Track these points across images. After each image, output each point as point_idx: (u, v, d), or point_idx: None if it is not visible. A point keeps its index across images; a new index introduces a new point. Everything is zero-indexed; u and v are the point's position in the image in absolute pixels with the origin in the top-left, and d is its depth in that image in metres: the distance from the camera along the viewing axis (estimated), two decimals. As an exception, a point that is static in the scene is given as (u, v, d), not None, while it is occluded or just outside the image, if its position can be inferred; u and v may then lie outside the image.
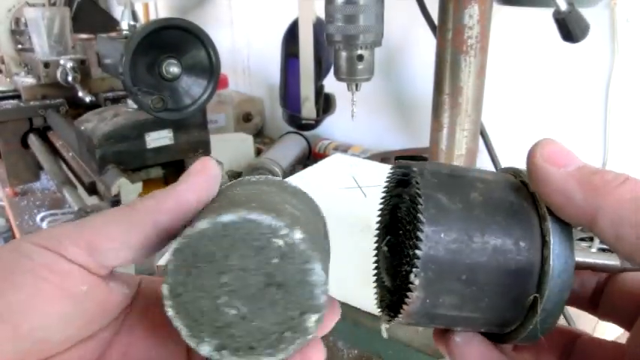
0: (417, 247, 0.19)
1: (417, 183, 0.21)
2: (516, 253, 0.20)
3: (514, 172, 0.23)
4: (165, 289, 0.19)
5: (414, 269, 0.19)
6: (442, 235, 0.19)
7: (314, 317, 0.20)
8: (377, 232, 0.24)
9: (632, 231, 0.17)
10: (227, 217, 0.19)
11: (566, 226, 0.20)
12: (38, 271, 0.20)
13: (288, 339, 0.20)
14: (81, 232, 0.21)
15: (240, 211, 0.19)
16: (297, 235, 0.19)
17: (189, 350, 0.24)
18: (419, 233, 0.19)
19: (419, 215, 0.20)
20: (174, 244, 0.20)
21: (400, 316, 0.21)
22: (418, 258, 0.19)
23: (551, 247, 0.19)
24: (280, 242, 0.19)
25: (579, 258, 0.21)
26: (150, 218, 0.21)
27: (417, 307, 0.20)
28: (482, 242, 0.20)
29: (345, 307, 0.51)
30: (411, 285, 0.20)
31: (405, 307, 0.20)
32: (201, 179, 0.22)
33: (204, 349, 0.20)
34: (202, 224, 0.19)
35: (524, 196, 0.21)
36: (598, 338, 0.23)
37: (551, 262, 0.19)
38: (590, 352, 0.23)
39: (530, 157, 0.20)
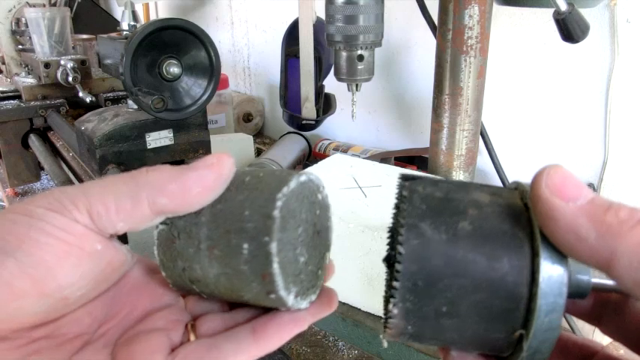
0: (396, 279, 0.19)
1: (403, 210, 0.20)
2: (502, 288, 0.18)
3: (521, 191, 0.21)
4: (273, 248, 0.21)
5: (391, 299, 0.19)
6: (421, 269, 0.19)
7: (328, 254, 0.26)
8: (387, 239, 0.23)
9: None
10: (303, 178, 0.23)
11: (561, 261, 0.18)
12: (57, 233, 0.20)
13: (320, 276, 0.25)
14: (80, 196, 0.21)
15: (301, 175, 0.23)
16: (325, 190, 0.25)
17: (188, 304, 0.26)
18: (396, 265, 0.19)
19: (398, 247, 0.19)
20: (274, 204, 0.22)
21: (386, 336, 0.21)
22: (396, 289, 0.19)
23: (540, 285, 0.18)
24: (320, 197, 0.25)
25: (584, 276, 0.20)
26: (148, 195, 0.22)
27: (398, 332, 0.20)
28: (465, 277, 0.19)
29: (345, 307, 0.51)
30: (390, 312, 0.20)
31: (387, 330, 0.20)
32: (211, 174, 0.22)
33: (290, 299, 0.22)
34: (292, 184, 0.22)
35: (522, 225, 0.19)
36: (615, 355, 0.22)
37: (538, 301, 0.18)
38: None
39: (535, 187, 0.19)
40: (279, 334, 0.23)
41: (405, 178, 0.22)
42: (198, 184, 0.22)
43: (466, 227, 0.19)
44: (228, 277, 0.22)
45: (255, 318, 0.24)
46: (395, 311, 0.19)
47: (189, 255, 0.23)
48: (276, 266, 0.21)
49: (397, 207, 0.21)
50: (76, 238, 0.21)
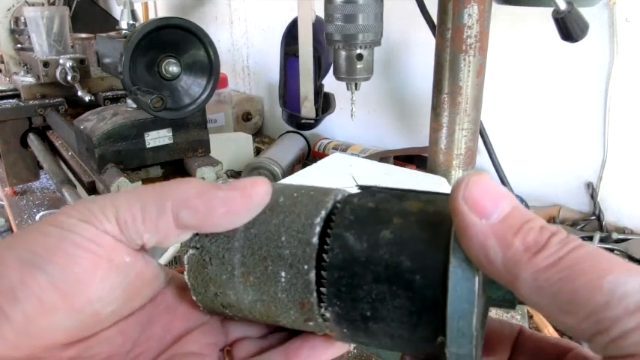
0: (323, 285, 0.20)
1: (332, 221, 0.21)
2: (418, 295, 0.19)
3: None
4: (312, 277, 0.21)
5: (321, 304, 0.21)
6: (343, 276, 0.20)
7: None
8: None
9: (552, 302, 0.16)
10: (339, 197, 0.23)
11: (472, 269, 0.18)
12: (87, 245, 0.20)
13: None
14: (110, 206, 0.21)
15: (337, 194, 0.23)
16: None
17: (223, 323, 0.25)
18: (322, 272, 0.20)
19: (323, 255, 0.20)
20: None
21: (333, 338, 0.23)
22: (324, 294, 0.20)
23: (449, 292, 0.18)
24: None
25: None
26: (173, 206, 0.21)
27: (339, 335, 0.22)
28: (383, 283, 0.19)
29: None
30: (324, 316, 0.21)
31: (329, 333, 0.22)
32: (239, 198, 0.21)
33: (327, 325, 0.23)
34: (329, 205, 0.22)
35: (442, 234, 0.19)
36: (588, 354, 0.22)
37: (447, 308, 0.18)
38: (532, 350, 0.23)
39: (453, 199, 0.18)
40: (313, 358, 0.23)
41: (360, 188, 0.23)
42: (224, 205, 0.21)
43: (387, 236, 0.19)
44: (264, 303, 0.22)
45: (288, 340, 0.24)
46: (327, 315, 0.21)
47: (222, 281, 0.22)
48: (315, 295, 0.21)
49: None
50: (105, 250, 0.20)
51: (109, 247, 0.21)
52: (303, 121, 0.90)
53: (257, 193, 0.21)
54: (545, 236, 0.17)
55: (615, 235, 0.73)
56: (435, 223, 0.19)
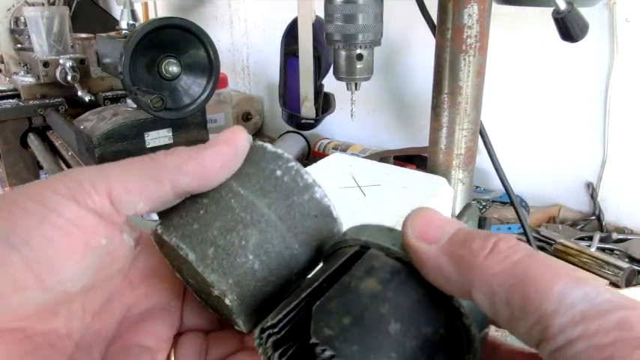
0: None
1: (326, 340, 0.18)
2: (446, 345, 0.19)
3: (370, 252, 0.21)
4: None
5: None
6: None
7: None
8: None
9: (506, 307, 0.16)
10: None
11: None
12: (67, 227, 0.20)
13: None
14: (101, 178, 0.21)
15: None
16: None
17: (183, 307, 0.26)
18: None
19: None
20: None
21: None
22: None
23: (466, 316, 0.19)
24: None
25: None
26: (169, 175, 0.22)
27: None
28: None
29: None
30: None
31: None
32: (227, 149, 0.23)
33: None
34: None
35: (413, 285, 0.19)
36: (515, 349, 0.22)
37: (471, 331, 0.19)
38: None
39: (404, 235, 0.19)
40: None
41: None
42: (217, 160, 0.22)
43: (397, 328, 0.18)
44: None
45: (231, 356, 0.25)
46: None
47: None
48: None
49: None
50: (83, 232, 0.21)
51: (88, 228, 0.21)
52: (303, 121, 0.90)
53: (239, 141, 0.23)
54: (490, 241, 0.17)
55: (615, 235, 0.73)
56: (405, 282, 0.19)
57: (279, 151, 0.24)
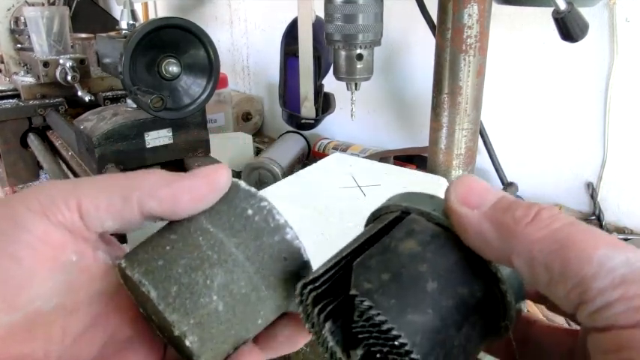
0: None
1: (381, 323, 0.18)
2: (484, 307, 0.20)
3: (411, 216, 0.21)
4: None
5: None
6: (432, 347, 0.18)
7: None
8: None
9: (545, 272, 0.17)
10: None
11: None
12: (35, 243, 0.20)
13: None
14: (73, 193, 0.21)
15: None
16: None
17: (167, 346, 0.25)
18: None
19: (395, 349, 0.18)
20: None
21: None
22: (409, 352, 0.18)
23: (504, 282, 0.20)
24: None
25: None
26: (138, 197, 0.22)
27: None
28: (459, 326, 0.19)
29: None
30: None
31: None
32: (203, 185, 0.22)
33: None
34: None
35: (458, 247, 0.20)
36: (551, 325, 0.23)
37: (507, 297, 0.20)
38: (545, 340, 0.23)
39: (446, 201, 0.20)
40: None
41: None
42: (189, 193, 0.22)
43: (434, 287, 0.19)
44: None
45: None
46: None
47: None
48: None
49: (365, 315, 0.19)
50: (52, 248, 0.21)
51: (57, 244, 0.21)
52: (303, 121, 0.90)
53: (219, 179, 0.22)
54: (533, 210, 0.18)
55: (615, 235, 0.73)
56: (447, 245, 0.20)
57: (253, 190, 0.24)
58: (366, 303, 0.18)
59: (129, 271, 0.21)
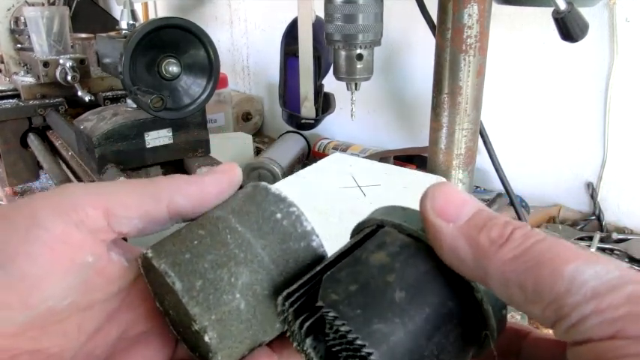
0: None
1: (344, 334, 0.18)
2: (456, 316, 0.20)
3: (385, 228, 0.22)
4: None
5: None
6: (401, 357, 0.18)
7: None
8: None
9: (519, 292, 0.17)
10: None
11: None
12: (52, 243, 0.20)
13: None
14: (100, 194, 0.22)
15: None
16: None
17: (177, 343, 0.25)
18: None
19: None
20: None
21: None
22: None
23: (481, 293, 0.19)
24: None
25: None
26: (167, 196, 0.23)
27: None
28: (434, 337, 0.19)
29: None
30: None
31: None
32: (225, 179, 0.24)
33: None
34: None
35: (425, 259, 0.20)
36: (545, 337, 0.23)
37: (485, 306, 0.19)
38: (538, 353, 0.23)
39: (422, 208, 0.19)
40: None
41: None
42: (216, 186, 0.24)
43: (402, 296, 0.19)
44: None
45: None
46: None
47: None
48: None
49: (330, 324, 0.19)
50: (69, 248, 0.21)
51: (75, 244, 0.21)
52: (303, 121, 0.90)
53: (236, 174, 0.25)
54: (508, 230, 0.18)
55: (615, 235, 0.73)
56: (417, 256, 0.20)
57: (283, 194, 0.24)
58: (331, 314, 0.18)
59: (155, 261, 0.21)
